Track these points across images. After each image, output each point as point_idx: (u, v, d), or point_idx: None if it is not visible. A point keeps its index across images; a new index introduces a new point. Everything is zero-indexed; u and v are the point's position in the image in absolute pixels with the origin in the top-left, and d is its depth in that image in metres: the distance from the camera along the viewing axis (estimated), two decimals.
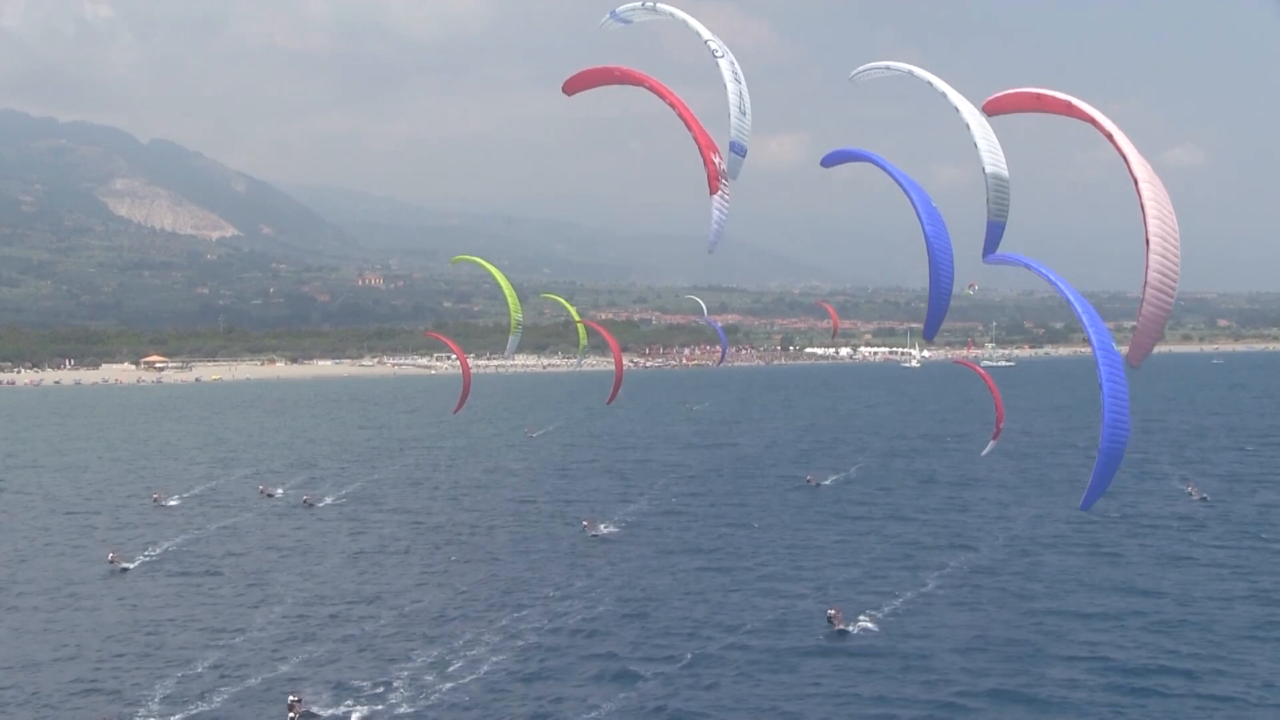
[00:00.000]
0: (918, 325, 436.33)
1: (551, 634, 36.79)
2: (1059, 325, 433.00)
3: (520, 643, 35.74)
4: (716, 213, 22.55)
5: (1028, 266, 19.21)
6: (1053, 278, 18.67)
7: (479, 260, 51.38)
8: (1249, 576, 43.18)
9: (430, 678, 32.51)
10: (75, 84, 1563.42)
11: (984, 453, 60.41)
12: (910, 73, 20.04)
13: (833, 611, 36.01)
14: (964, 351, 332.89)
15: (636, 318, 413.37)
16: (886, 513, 59.16)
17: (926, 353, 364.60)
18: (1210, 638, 35.20)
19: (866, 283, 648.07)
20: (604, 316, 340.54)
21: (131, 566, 47.97)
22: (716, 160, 21.83)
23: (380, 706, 30.35)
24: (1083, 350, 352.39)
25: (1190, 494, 61.46)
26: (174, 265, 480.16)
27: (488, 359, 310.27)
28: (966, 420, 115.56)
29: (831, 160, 22.80)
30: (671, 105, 22.00)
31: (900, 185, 20.43)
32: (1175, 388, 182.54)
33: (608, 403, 61.70)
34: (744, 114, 22.04)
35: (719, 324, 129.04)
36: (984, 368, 56.43)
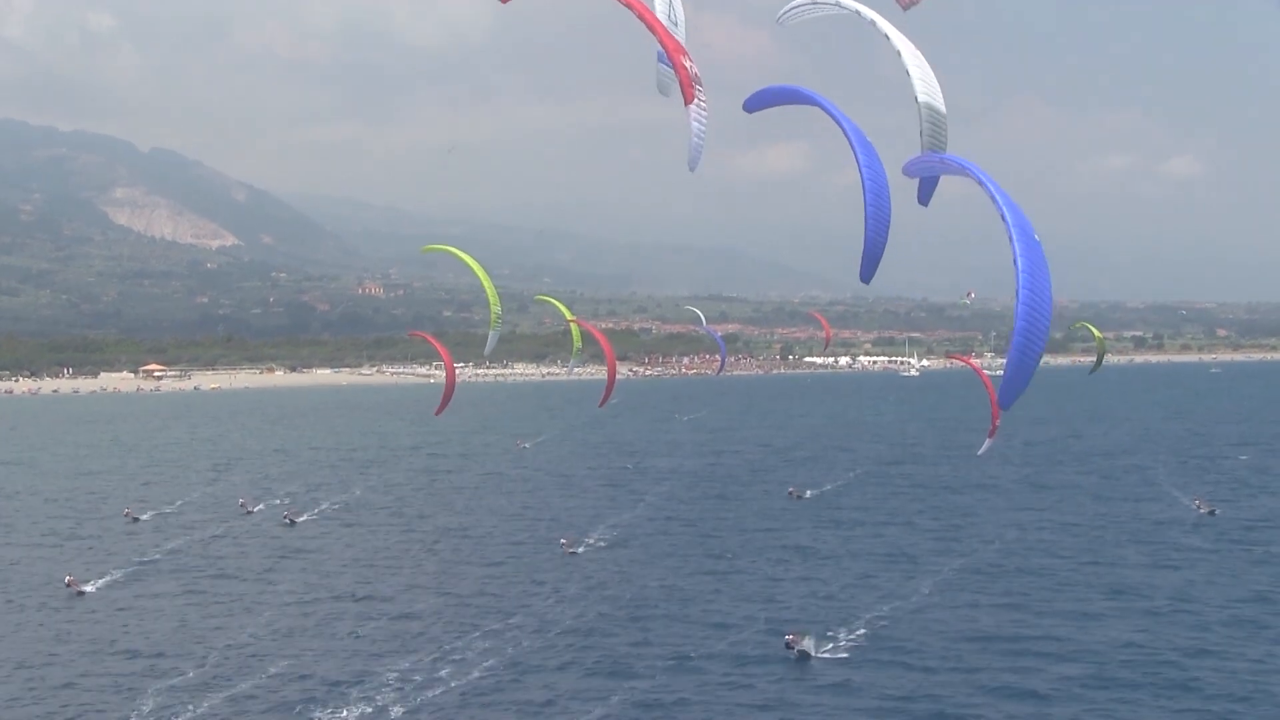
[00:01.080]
0: (917, 335, 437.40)
1: (538, 639, 36.61)
2: (1058, 335, 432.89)
3: (509, 650, 35.56)
4: (695, 124, 20.04)
5: (943, 162, 18.11)
6: (965, 164, 17.85)
7: (453, 250, 48.37)
8: (1245, 578, 43.06)
9: (420, 679, 32.35)
10: (76, 93, 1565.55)
11: (980, 451, 59.13)
12: (837, 3, 19.29)
13: (790, 636, 34.16)
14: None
15: (636, 327, 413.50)
16: (882, 519, 58.85)
17: (925, 362, 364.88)
18: (1210, 639, 35.09)
19: (867, 292, 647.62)
20: (604, 326, 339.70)
21: (90, 589, 44.71)
22: (688, 64, 19.35)
23: (369, 709, 30.22)
24: (1081, 360, 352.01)
25: (1197, 507, 59.49)
26: (174, 274, 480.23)
27: (486, 368, 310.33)
28: (963, 429, 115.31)
29: (756, 103, 20.95)
30: (628, 5, 19.57)
31: (832, 117, 19.17)
32: (1174, 395, 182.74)
33: (600, 405, 60.25)
34: (676, 25, 20.08)
35: (718, 333, 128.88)
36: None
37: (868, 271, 19.28)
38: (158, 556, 52.06)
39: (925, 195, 20.21)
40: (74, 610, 42.41)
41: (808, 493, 67.54)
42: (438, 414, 54.13)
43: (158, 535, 58.12)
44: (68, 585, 44.68)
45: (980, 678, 32.08)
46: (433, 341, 58.87)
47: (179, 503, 69.59)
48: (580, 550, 50.44)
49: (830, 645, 34.98)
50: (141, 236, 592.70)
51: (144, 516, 63.54)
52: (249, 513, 64.34)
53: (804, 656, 33.57)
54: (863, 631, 36.51)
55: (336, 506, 66.94)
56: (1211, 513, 57.72)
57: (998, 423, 47.87)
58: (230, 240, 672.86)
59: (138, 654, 36.19)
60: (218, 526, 60.46)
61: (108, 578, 47.18)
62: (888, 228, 18.87)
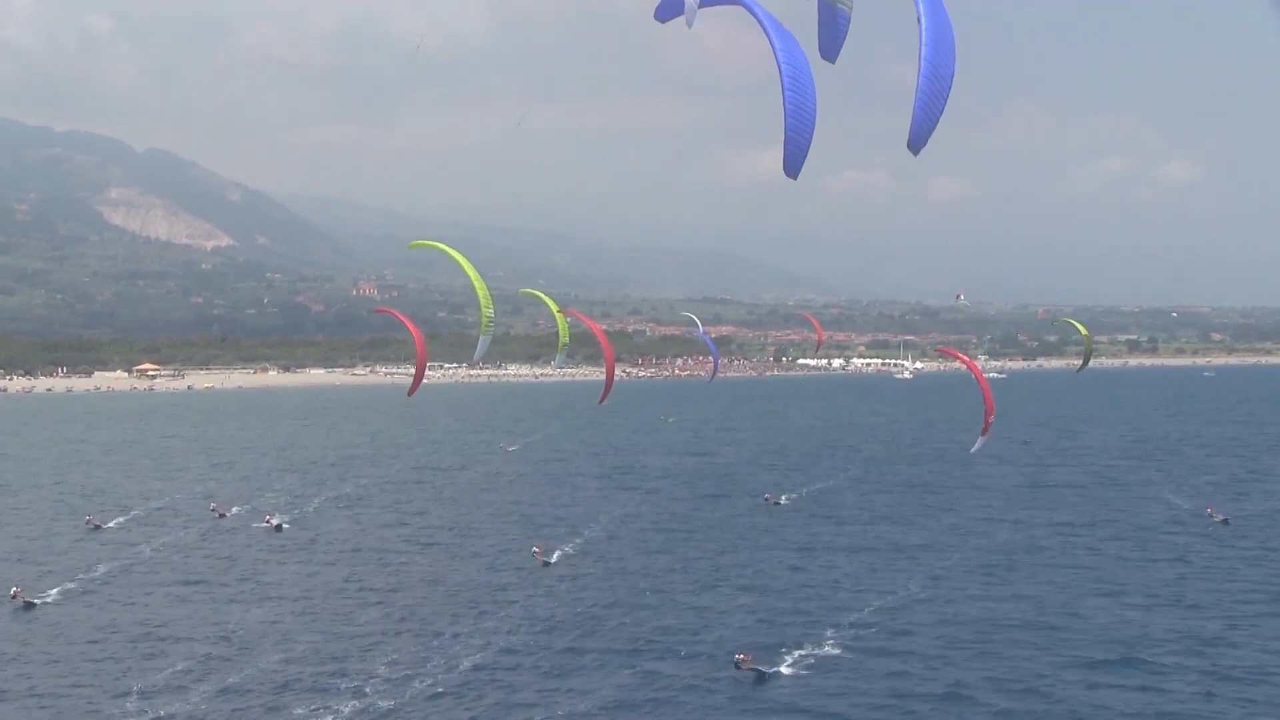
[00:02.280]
0: (912, 338, 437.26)
1: (522, 639, 36.67)
2: (1052, 339, 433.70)
3: (494, 648, 35.67)
4: None
5: None
6: None
7: (441, 246, 46.17)
8: (1242, 575, 43.20)
9: (407, 674, 32.34)
10: (72, 93, 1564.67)
11: (973, 450, 58.62)
12: None
13: (741, 656, 32.79)
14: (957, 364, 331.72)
15: (631, 329, 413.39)
16: (867, 520, 58.80)
17: (919, 364, 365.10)
18: (1207, 630, 35.21)
19: (862, 295, 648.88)
20: (599, 327, 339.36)
21: (38, 602, 41.97)
22: None
23: (359, 704, 30.27)
24: (1075, 363, 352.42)
25: (1209, 514, 57.86)
26: (168, 275, 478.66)
27: (480, 368, 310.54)
28: (956, 432, 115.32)
29: (667, 10, 19.45)
30: None
31: (747, 8, 18.08)
32: (1168, 398, 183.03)
33: (599, 403, 59.07)
34: None
35: (711, 338, 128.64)
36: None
37: (791, 165, 17.82)
38: (116, 564, 49.24)
39: (828, 48, 18.62)
40: (24, 619, 40.24)
41: (783, 498, 65.80)
42: (410, 394, 53.09)
43: (120, 540, 55.25)
44: (13, 597, 41.74)
45: (974, 674, 32.11)
46: (401, 318, 54.81)
47: (148, 507, 66.58)
48: (554, 559, 48.53)
49: (821, 643, 34.98)
50: (136, 237, 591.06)
51: (110, 524, 60.25)
52: (221, 516, 61.68)
53: (759, 676, 32.28)
54: (853, 629, 36.51)
55: (315, 510, 65.79)
56: (1225, 521, 56.09)
57: (991, 419, 47.53)
58: (225, 241, 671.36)
59: (106, 658, 35.80)
60: (186, 531, 57.89)
61: (60, 588, 44.44)
62: (812, 117, 17.67)
